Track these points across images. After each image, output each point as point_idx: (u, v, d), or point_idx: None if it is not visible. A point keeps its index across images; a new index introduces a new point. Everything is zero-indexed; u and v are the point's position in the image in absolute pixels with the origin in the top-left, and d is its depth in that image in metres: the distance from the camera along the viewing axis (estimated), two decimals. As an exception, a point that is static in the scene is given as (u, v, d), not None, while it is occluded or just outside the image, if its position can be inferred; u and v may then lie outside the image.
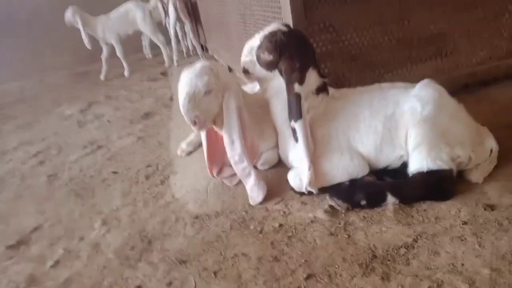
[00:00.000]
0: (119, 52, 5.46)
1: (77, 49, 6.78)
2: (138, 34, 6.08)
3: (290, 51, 1.63)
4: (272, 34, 1.66)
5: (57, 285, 1.54)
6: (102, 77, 5.66)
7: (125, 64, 5.57)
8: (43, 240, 1.90)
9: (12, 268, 1.72)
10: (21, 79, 7.07)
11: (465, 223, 1.39)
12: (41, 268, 1.68)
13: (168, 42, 5.48)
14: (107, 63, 5.62)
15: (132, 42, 6.08)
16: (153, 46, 6.45)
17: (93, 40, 5.38)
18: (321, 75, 1.75)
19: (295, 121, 1.60)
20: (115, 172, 2.49)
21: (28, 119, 4.37)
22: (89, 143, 3.13)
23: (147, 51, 6.80)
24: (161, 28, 5.65)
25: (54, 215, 2.11)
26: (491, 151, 1.63)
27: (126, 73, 5.59)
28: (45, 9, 7.08)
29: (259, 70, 1.76)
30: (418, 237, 1.37)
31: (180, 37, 5.95)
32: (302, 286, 1.28)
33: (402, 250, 1.33)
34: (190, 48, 6.00)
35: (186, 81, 1.65)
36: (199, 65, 1.70)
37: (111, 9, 5.52)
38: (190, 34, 5.53)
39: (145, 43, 6.72)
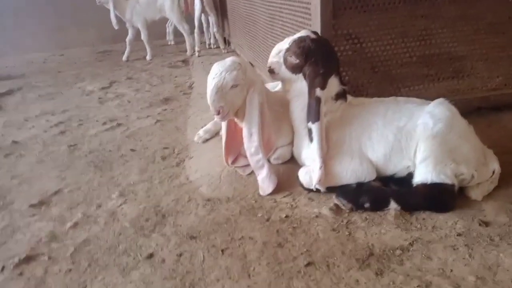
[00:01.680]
0: (143, 36, 5.61)
1: (101, 28, 7.00)
2: (163, 21, 6.23)
3: (316, 58, 1.73)
4: (301, 40, 1.76)
5: (75, 244, 1.67)
6: (124, 58, 5.81)
7: (148, 48, 5.72)
8: (63, 203, 2.03)
9: (34, 224, 1.85)
10: (44, 52, 7.26)
11: (459, 234, 1.49)
12: (61, 227, 1.81)
13: (192, 31, 5.62)
14: (131, 45, 5.77)
15: (157, 27, 6.23)
16: (177, 34, 6.61)
17: (119, 21, 5.53)
18: (342, 82, 1.85)
19: (313, 122, 1.71)
20: (133, 150, 2.62)
21: (50, 90, 4.52)
22: (109, 120, 3.27)
23: (170, 38, 6.94)
24: (186, 17, 5.79)
25: (74, 182, 2.24)
26: (494, 172, 1.72)
27: (148, 57, 5.74)
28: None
29: (284, 72, 1.87)
30: (414, 242, 1.47)
31: (204, 29, 6.08)
32: (302, 272, 1.39)
33: (398, 252, 1.44)
34: (212, 40, 6.13)
35: (216, 73, 1.77)
36: (229, 60, 1.81)
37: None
38: (214, 27, 5.65)
39: (169, 30, 6.87)
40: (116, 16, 5.41)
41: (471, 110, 2.24)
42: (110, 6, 5.32)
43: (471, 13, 2.32)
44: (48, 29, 7.42)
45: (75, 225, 1.82)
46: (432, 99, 1.77)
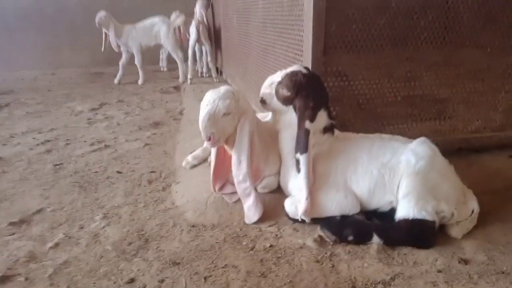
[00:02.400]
0: (137, 61, 5.70)
1: (95, 50, 7.08)
2: (157, 47, 6.36)
3: (307, 92, 1.80)
4: (293, 74, 1.84)
5: (55, 265, 1.63)
6: (116, 81, 5.87)
7: (141, 73, 5.80)
8: (44, 222, 1.99)
9: (13, 243, 1.81)
10: (36, 70, 7.27)
11: (439, 271, 1.52)
12: (41, 247, 1.77)
13: (185, 59, 5.74)
14: (124, 68, 5.85)
15: (150, 53, 6.34)
16: (170, 61, 6.73)
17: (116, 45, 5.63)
18: (330, 117, 1.92)
19: (301, 153, 1.75)
20: (119, 172, 2.61)
21: (39, 108, 4.51)
22: (97, 141, 3.27)
23: (163, 64, 7.05)
24: (180, 45, 5.93)
25: (57, 202, 2.21)
26: (473, 211, 1.77)
27: (140, 81, 5.81)
28: (71, 9, 7.42)
29: (276, 103, 1.93)
30: (396, 277, 1.49)
31: (197, 57, 6.23)
32: (285, 303, 1.39)
33: (380, 286, 1.45)
34: (205, 69, 6.26)
35: (209, 101, 1.82)
36: (223, 88, 1.87)
37: (131, 17, 5.86)
38: (208, 56, 5.79)
39: (163, 56, 6.99)
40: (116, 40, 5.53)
41: (452, 151, 2.33)
42: (111, 30, 5.44)
43: (454, 59, 2.46)
44: (42, 48, 7.48)
45: (56, 245, 1.78)
46: (415, 138, 1.85)
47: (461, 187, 1.84)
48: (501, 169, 2.39)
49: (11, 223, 1.97)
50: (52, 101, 4.87)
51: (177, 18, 5.79)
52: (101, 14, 5.37)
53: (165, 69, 7.02)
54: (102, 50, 5.59)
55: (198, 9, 5.40)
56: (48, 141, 3.30)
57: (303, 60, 2.22)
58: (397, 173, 1.75)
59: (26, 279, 1.56)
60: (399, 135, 1.99)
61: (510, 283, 1.45)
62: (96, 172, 2.63)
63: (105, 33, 5.51)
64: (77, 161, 2.83)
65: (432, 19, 2.31)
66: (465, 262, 1.58)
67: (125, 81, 5.93)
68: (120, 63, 5.80)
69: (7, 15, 7.20)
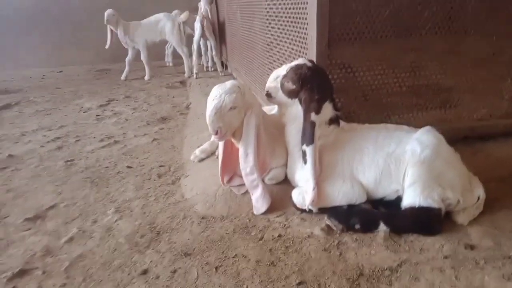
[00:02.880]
0: (143, 57, 5.75)
1: (101, 47, 7.12)
2: (163, 43, 6.39)
3: (312, 84, 1.83)
4: (298, 67, 1.86)
5: (70, 259, 1.68)
6: (123, 77, 5.92)
7: (147, 69, 5.84)
8: (58, 218, 2.05)
9: (29, 238, 1.87)
10: (43, 68, 7.35)
11: (446, 257, 1.55)
12: (56, 242, 1.82)
13: (191, 54, 5.77)
14: (130, 65, 5.89)
15: (156, 48, 6.38)
16: (175, 56, 6.76)
17: (119, 41, 5.68)
18: (336, 108, 1.94)
19: (307, 145, 1.78)
20: (129, 167, 2.66)
21: (48, 106, 4.58)
22: (106, 137, 3.32)
23: (168, 59, 7.09)
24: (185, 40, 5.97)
25: (70, 197, 2.26)
26: (479, 198, 1.79)
27: (146, 77, 5.85)
28: (76, 8, 7.47)
29: (281, 96, 1.96)
30: (403, 263, 1.52)
31: (202, 52, 6.25)
32: (294, 290, 1.43)
33: (387, 272, 1.48)
34: (210, 64, 6.28)
35: (216, 95, 1.85)
36: (229, 83, 1.90)
37: (134, 15, 5.91)
38: (213, 51, 5.81)
39: (168, 51, 7.02)
40: (125, 37, 5.59)
41: (458, 139, 2.34)
42: (120, 28, 5.49)
43: (458, 48, 2.46)
44: (48, 46, 7.55)
45: (70, 240, 1.84)
46: (421, 127, 1.86)
47: (467, 174, 1.85)
48: (507, 156, 2.40)
49: (27, 219, 2.03)
50: (61, 99, 4.93)
51: (180, 15, 5.82)
52: (109, 12, 5.40)
53: (170, 64, 7.06)
54: (106, 47, 5.64)
55: (203, 5, 5.43)
56: (59, 138, 3.36)
57: (307, 53, 2.24)
58: (402, 162, 1.77)
59: (43, 272, 1.62)
60: (405, 125, 2.01)
61: (516, 268, 1.48)
62: (107, 167, 2.68)
63: (111, 31, 5.55)
64: (87, 157, 2.89)
65: (436, 9, 2.31)
66: (472, 248, 1.60)
67: (132, 77, 5.99)
68: (127, 60, 5.85)
69: (14, 16, 7.28)
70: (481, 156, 2.39)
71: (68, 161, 2.82)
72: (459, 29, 2.39)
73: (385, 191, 1.81)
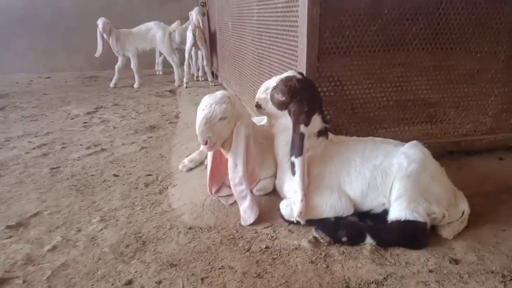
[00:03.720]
0: (133, 65, 5.73)
1: (90, 54, 7.11)
2: (153, 51, 6.40)
3: (301, 96, 1.84)
4: (288, 79, 1.88)
5: (53, 267, 1.65)
6: (112, 84, 5.89)
7: (136, 77, 5.82)
8: (41, 226, 2.01)
9: (10, 246, 1.82)
10: (31, 73, 7.26)
11: (431, 271, 1.56)
12: (39, 250, 1.78)
13: (181, 63, 5.78)
14: (119, 72, 5.87)
15: (146, 57, 6.39)
16: (165, 65, 6.76)
17: (108, 48, 5.66)
18: (324, 120, 1.96)
19: (296, 157, 1.79)
20: (116, 175, 2.63)
21: (34, 112, 4.51)
22: (93, 145, 3.28)
23: (158, 68, 7.08)
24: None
25: (54, 205, 2.22)
26: (463, 213, 1.82)
27: (136, 85, 5.83)
28: (67, 13, 7.43)
29: (271, 108, 1.97)
30: (388, 277, 1.53)
31: (193, 61, 6.27)
32: (280, 303, 1.42)
33: (373, 286, 1.49)
34: (201, 73, 6.29)
35: (206, 105, 1.85)
36: (219, 93, 1.90)
37: (126, 21, 5.92)
38: (203, 61, 5.83)
39: (158, 60, 7.02)
40: (106, 43, 5.56)
41: (443, 154, 2.39)
42: (113, 36, 5.48)
43: (444, 64, 2.52)
44: (37, 51, 7.47)
45: (54, 248, 1.80)
46: (407, 141, 1.90)
47: (452, 189, 1.88)
48: (491, 171, 2.45)
49: (8, 226, 1.99)
50: (48, 105, 4.87)
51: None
52: (105, 21, 5.37)
53: (160, 73, 7.04)
54: (97, 56, 5.60)
55: (195, 15, 5.45)
56: (44, 144, 3.31)
57: (297, 66, 2.26)
58: (389, 175, 1.79)
59: (24, 281, 1.58)
60: (392, 139, 2.04)
61: (499, 282, 1.49)
62: (93, 175, 2.64)
63: (102, 39, 5.51)
64: (73, 164, 2.85)
65: (423, 25, 2.37)
66: (456, 262, 1.62)
67: (121, 85, 5.95)
68: (116, 67, 5.82)
69: (2, 18, 7.19)
70: (466, 171, 2.44)
71: (53, 168, 2.77)
72: (446, 45, 2.45)
73: (372, 203, 1.83)
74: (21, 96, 5.43)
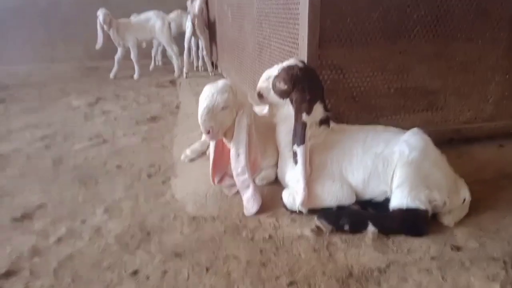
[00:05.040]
0: (133, 56, 5.69)
1: (89, 44, 7.04)
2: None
3: (303, 85, 1.84)
4: (290, 68, 1.88)
5: (59, 259, 1.66)
6: (111, 75, 5.85)
7: (136, 67, 5.79)
8: (46, 217, 2.02)
9: (16, 238, 1.84)
10: (30, 64, 7.22)
11: (433, 258, 1.58)
12: (44, 242, 1.80)
13: (181, 53, 5.74)
14: (119, 63, 5.83)
15: (145, 47, 6.34)
16: (165, 55, 6.71)
17: (107, 39, 5.61)
18: (326, 109, 1.97)
19: (298, 145, 1.80)
20: (118, 167, 2.64)
21: (35, 104, 4.50)
22: (95, 136, 3.28)
23: (158, 59, 7.03)
24: (175, 39, 5.94)
25: (58, 197, 2.23)
26: (464, 200, 1.83)
27: (135, 76, 5.80)
28: (64, 3, 7.35)
29: (273, 96, 1.97)
30: (391, 264, 1.55)
31: (193, 52, 6.23)
32: (284, 290, 1.44)
33: (375, 273, 1.51)
34: (200, 63, 6.26)
35: (208, 95, 1.85)
36: (221, 82, 1.90)
37: (125, 12, 5.89)
38: (203, 50, 5.79)
39: (158, 50, 6.97)
40: (106, 34, 5.51)
41: (444, 141, 2.39)
42: (113, 27, 5.43)
43: (445, 51, 2.51)
44: (36, 42, 7.41)
45: (59, 240, 1.81)
46: (408, 129, 1.90)
47: (453, 176, 1.89)
48: (491, 158, 2.46)
49: (13, 219, 2.00)
50: (48, 96, 4.85)
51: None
52: (105, 12, 5.31)
53: (160, 64, 7.00)
54: (97, 48, 5.55)
55: (199, 3, 5.37)
56: (46, 136, 3.31)
57: (298, 54, 2.25)
58: (390, 163, 1.80)
59: (31, 273, 1.59)
60: (393, 126, 2.04)
61: (501, 269, 1.51)
62: (96, 166, 2.65)
63: (103, 30, 5.45)
64: (76, 156, 2.86)
65: (424, 12, 2.35)
66: (458, 249, 1.64)
67: (120, 76, 5.92)
68: (116, 58, 5.78)
69: (-1, 10, 7.13)
70: (467, 158, 2.45)
71: (56, 160, 2.78)
72: (446, 33, 2.44)
73: (374, 192, 1.84)
74: (21, 88, 5.41)
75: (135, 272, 1.57)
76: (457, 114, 2.65)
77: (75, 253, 1.71)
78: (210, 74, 5.73)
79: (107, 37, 5.55)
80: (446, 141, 2.50)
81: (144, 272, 1.57)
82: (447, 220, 1.80)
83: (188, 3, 5.85)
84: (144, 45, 6.00)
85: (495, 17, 2.47)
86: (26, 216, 2.04)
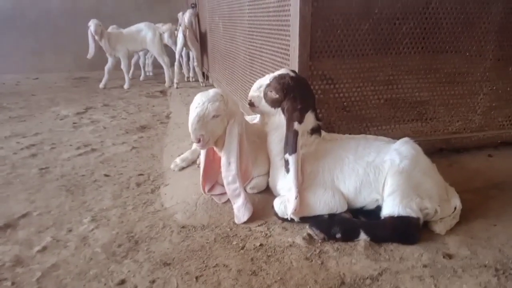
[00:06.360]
0: (124, 66, 5.68)
1: (78, 55, 7.04)
2: (144, 52, 6.36)
3: (295, 94, 1.85)
4: (281, 77, 1.88)
5: (43, 269, 1.61)
6: (101, 85, 5.82)
7: (126, 78, 5.78)
8: (31, 226, 1.96)
9: (-1, 247, 1.78)
10: (18, 74, 7.14)
11: (425, 266, 1.57)
12: (28, 251, 1.74)
13: (172, 64, 5.75)
14: (109, 73, 5.81)
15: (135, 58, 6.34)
16: (156, 66, 6.72)
17: (99, 49, 5.60)
18: (317, 118, 1.97)
19: (290, 154, 1.79)
20: (107, 175, 2.59)
21: (23, 113, 4.43)
22: (83, 145, 3.23)
23: (148, 69, 7.04)
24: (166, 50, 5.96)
25: (44, 206, 2.18)
26: (455, 208, 1.83)
27: (126, 85, 5.78)
28: (54, 13, 7.34)
29: (264, 105, 1.97)
30: (383, 272, 1.54)
31: (184, 62, 6.25)
32: (276, 300, 1.41)
33: (368, 281, 1.49)
34: (191, 74, 6.27)
35: (199, 103, 1.84)
36: (212, 91, 1.89)
37: (115, 23, 5.93)
38: (194, 61, 5.82)
39: (149, 61, 6.98)
40: (97, 44, 5.50)
41: (434, 151, 2.42)
42: (104, 38, 5.42)
43: (434, 63, 2.55)
44: (24, 52, 7.36)
45: (43, 249, 1.76)
46: (398, 139, 1.91)
47: (444, 185, 1.90)
48: (481, 168, 2.48)
49: (-4, 228, 1.94)
50: (36, 106, 4.79)
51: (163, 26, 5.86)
52: (97, 23, 5.31)
53: (150, 74, 7.00)
54: (89, 57, 5.53)
55: (187, 16, 5.42)
56: (33, 145, 3.25)
57: (290, 64, 2.27)
58: (381, 171, 1.80)
59: (13, 283, 1.54)
60: (383, 136, 2.05)
61: (493, 276, 1.51)
62: (83, 175, 2.60)
63: (94, 40, 5.44)
64: (63, 165, 2.80)
65: (413, 25, 2.40)
66: (449, 257, 1.63)
67: (110, 86, 5.89)
68: (106, 68, 5.76)
69: (-12, 19, 7.07)
70: (456, 167, 2.47)
71: (42, 168, 2.72)
72: (435, 45, 2.49)
73: (365, 200, 1.84)
74: (8, 96, 5.33)
75: (122, 282, 1.53)
76: (447, 125, 2.68)
77: (60, 263, 1.65)
78: (201, 85, 5.73)
79: (98, 47, 5.54)
80: (436, 151, 2.52)
81: (131, 281, 1.53)
82: (439, 228, 1.80)
83: (180, 14, 5.89)
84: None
85: (482, 30, 2.53)
86: (9, 225, 1.98)
